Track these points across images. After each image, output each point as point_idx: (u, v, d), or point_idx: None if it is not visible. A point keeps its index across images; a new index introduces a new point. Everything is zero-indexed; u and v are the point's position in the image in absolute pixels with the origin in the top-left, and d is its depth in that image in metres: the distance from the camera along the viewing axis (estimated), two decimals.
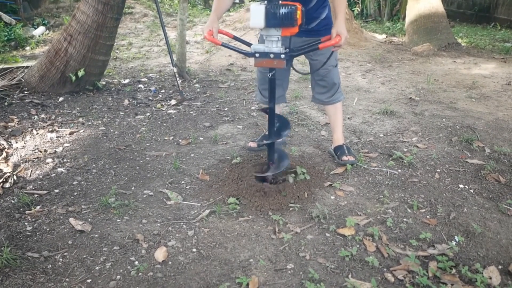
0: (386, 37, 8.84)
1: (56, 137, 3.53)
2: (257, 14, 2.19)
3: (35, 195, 2.64)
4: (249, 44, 2.54)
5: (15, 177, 2.83)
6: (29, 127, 3.71)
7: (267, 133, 2.70)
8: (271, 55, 2.31)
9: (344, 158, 3.00)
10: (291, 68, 2.98)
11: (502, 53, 7.30)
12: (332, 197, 2.62)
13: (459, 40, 8.01)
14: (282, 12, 2.16)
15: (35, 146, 3.34)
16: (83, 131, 3.67)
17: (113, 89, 4.93)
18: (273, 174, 2.69)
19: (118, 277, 1.94)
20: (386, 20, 11.28)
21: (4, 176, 2.81)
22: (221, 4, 2.66)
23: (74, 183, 2.80)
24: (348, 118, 4.02)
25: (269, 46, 2.31)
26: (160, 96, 4.75)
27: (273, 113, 2.56)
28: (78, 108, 4.23)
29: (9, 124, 3.74)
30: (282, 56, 2.29)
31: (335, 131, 3.13)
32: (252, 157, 3.12)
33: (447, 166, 3.04)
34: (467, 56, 7.02)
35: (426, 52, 7.08)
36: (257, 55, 2.34)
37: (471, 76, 5.67)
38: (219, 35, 2.63)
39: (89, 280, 1.92)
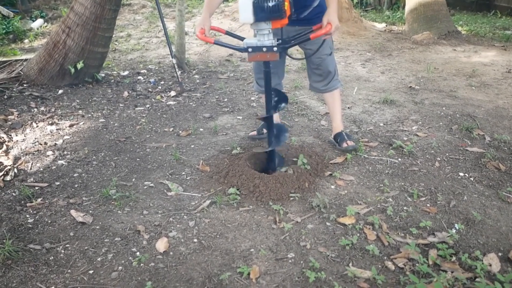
0: (386, 26, 8.78)
1: (56, 129, 3.53)
2: (245, 9, 2.18)
3: (36, 188, 2.65)
4: (241, 39, 2.53)
5: (15, 170, 2.84)
6: (29, 120, 3.71)
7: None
8: (264, 49, 2.30)
9: (344, 144, 3.02)
10: (287, 56, 2.98)
11: (502, 40, 7.25)
12: (333, 187, 2.62)
13: (459, 28, 7.96)
14: (269, 5, 2.15)
15: (35, 138, 3.35)
16: (83, 124, 3.67)
17: (112, 81, 4.92)
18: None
19: (120, 268, 1.96)
20: (385, 9, 11.20)
21: (5, 169, 2.82)
22: (213, 1, 2.66)
23: (75, 175, 2.81)
24: (348, 107, 4.02)
25: (261, 40, 2.30)
26: (160, 87, 4.74)
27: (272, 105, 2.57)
28: (77, 101, 4.23)
29: (9, 117, 3.74)
30: (275, 49, 2.29)
31: (334, 119, 3.15)
32: (252, 147, 3.13)
33: (447, 154, 3.04)
34: (467, 44, 6.98)
35: (426, 41, 7.04)
36: (250, 49, 2.33)
37: (471, 64, 5.65)
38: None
39: (91, 271, 1.94)
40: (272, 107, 2.57)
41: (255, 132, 3.27)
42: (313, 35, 2.40)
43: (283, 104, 2.68)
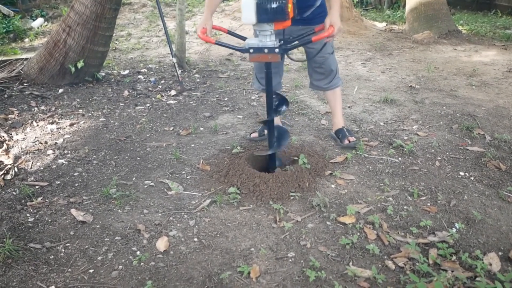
0: (386, 25, 8.77)
1: (57, 128, 3.53)
2: (247, 9, 2.16)
3: (37, 187, 2.65)
4: (243, 38, 2.52)
5: (16, 169, 2.84)
6: (29, 119, 3.71)
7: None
8: (266, 50, 2.28)
9: (346, 141, 3.07)
10: (287, 58, 2.98)
11: (503, 40, 7.25)
12: (333, 186, 2.62)
13: (460, 28, 7.95)
14: (273, 7, 2.13)
15: (35, 138, 3.35)
16: (83, 123, 3.67)
17: (112, 80, 4.92)
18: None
19: (120, 267, 1.96)
20: (386, 8, 11.19)
21: (5, 168, 2.82)
22: (213, 0, 2.66)
23: (75, 174, 2.81)
24: (349, 107, 4.02)
25: (263, 41, 2.28)
26: (160, 86, 4.74)
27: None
28: (78, 100, 4.23)
29: (9, 116, 3.74)
30: (277, 50, 2.27)
31: (335, 115, 3.19)
32: (252, 146, 3.13)
33: (447, 153, 3.04)
34: (468, 44, 6.98)
35: (427, 40, 7.03)
36: (251, 50, 2.31)
37: (471, 64, 5.64)
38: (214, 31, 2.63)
39: (91, 270, 1.94)
40: (273, 111, 2.57)
41: (256, 134, 3.26)
42: (315, 38, 2.37)
43: (284, 107, 2.67)
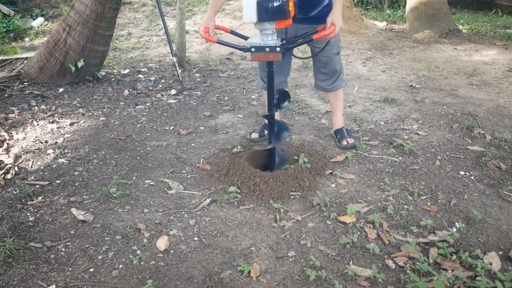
0: (387, 24, 8.77)
1: (57, 128, 3.53)
2: (249, 8, 2.16)
3: (37, 186, 2.65)
4: (246, 38, 2.53)
5: (16, 168, 2.84)
6: (29, 118, 3.71)
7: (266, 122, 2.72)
8: (267, 49, 2.28)
9: (344, 142, 3.06)
10: (292, 55, 2.98)
11: (503, 39, 7.25)
12: (333, 185, 2.62)
13: (460, 27, 7.95)
14: (273, 5, 2.13)
15: (36, 137, 3.35)
16: (84, 122, 3.67)
17: (113, 79, 4.92)
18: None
19: (121, 266, 1.96)
20: (386, 7, 11.18)
21: (6, 167, 2.82)
22: (218, 0, 2.65)
23: (75, 173, 2.81)
24: (349, 106, 4.02)
25: (265, 40, 2.28)
26: (160, 86, 4.73)
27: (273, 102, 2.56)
28: (78, 99, 4.22)
29: (10, 115, 3.74)
30: (278, 49, 2.27)
31: (335, 115, 3.19)
32: (252, 146, 3.13)
33: (447, 153, 3.04)
34: (468, 43, 6.97)
35: (427, 39, 7.03)
36: (253, 49, 2.32)
37: (472, 63, 5.64)
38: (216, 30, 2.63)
39: (91, 269, 1.94)
40: (274, 106, 2.56)
41: (256, 135, 3.25)
42: (316, 36, 2.37)
43: (286, 103, 2.66)
